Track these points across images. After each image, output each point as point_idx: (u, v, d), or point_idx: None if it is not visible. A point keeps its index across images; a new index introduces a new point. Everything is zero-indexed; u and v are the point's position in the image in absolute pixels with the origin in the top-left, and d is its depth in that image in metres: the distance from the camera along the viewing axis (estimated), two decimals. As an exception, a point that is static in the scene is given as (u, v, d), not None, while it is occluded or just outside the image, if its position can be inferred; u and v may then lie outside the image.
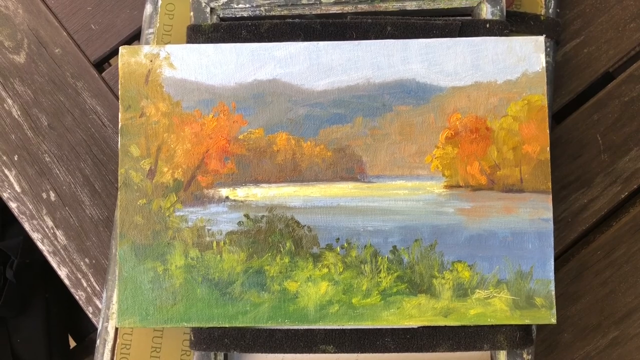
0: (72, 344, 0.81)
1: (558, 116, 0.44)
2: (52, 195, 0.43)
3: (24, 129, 0.43)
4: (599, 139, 0.43)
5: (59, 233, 0.43)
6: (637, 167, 0.43)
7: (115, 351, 0.39)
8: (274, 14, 0.39)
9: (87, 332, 0.82)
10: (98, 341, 0.39)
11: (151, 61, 0.37)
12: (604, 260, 0.43)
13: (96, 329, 0.87)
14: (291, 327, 0.37)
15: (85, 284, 0.42)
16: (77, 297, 0.42)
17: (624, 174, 0.43)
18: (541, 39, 0.37)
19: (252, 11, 0.39)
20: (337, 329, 0.37)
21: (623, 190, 0.43)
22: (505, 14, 0.38)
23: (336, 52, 0.37)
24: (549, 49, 0.41)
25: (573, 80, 0.44)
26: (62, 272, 0.42)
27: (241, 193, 0.37)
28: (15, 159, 0.43)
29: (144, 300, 0.36)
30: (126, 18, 0.44)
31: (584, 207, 0.43)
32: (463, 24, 0.38)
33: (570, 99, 0.44)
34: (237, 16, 0.39)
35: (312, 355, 0.37)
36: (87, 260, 0.43)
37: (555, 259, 0.40)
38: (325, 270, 0.37)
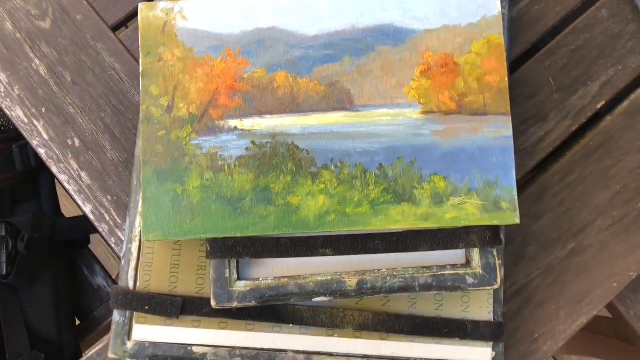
0: (77, 322, 0.84)
1: (515, 64, 0.51)
2: (77, 141, 0.48)
3: (50, 85, 0.49)
4: (551, 81, 0.50)
5: (83, 174, 0.48)
6: (584, 104, 0.50)
7: (139, 268, 0.44)
8: (271, -26, 0.45)
9: (90, 310, 0.87)
10: (123, 261, 0.44)
11: (167, 14, 0.44)
12: (560, 183, 0.49)
13: (99, 306, 0.91)
14: (294, 235, 0.43)
15: (107, 218, 0.48)
16: (100, 229, 0.47)
17: (573, 110, 0.50)
18: (497, -11, 0.44)
19: (252, -28, 0.45)
20: (334, 235, 0.43)
21: (574, 124, 0.50)
22: (466, -29, 0.45)
23: (325, 3, 0.44)
24: (504, 3, 0.48)
25: (526, 33, 0.51)
26: (87, 208, 0.48)
27: (248, 123, 0.43)
28: (43, 111, 0.49)
29: (165, 216, 0.42)
30: (139, -12, 0.51)
31: (541, 139, 0.50)
32: (431, -21, 0.45)
33: (525, 48, 0.51)
34: (240, -23, 0.45)
35: (313, 259, 0.43)
36: (109, 197, 0.48)
37: (518, 184, 0.46)
38: (322, 186, 0.43)
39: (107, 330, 0.83)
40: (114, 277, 0.83)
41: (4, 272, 0.72)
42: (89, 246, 0.83)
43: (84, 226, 0.80)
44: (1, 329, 0.73)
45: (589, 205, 0.49)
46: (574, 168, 0.49)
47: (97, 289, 0.87)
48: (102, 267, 0.85)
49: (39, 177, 0.80)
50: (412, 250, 0.43)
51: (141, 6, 0.43)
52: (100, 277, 0.89)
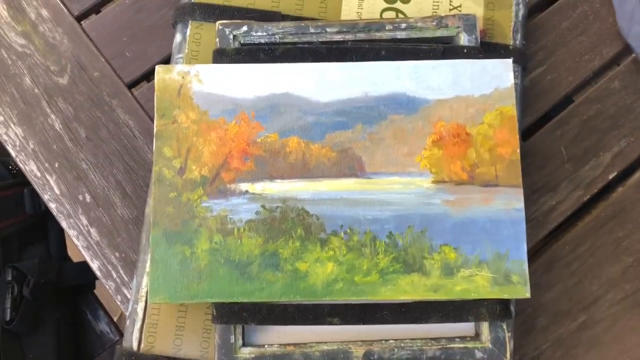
0: (78, 367, 0.83)
1: (527, 132, 0.51)
2: (88, 197, 0.49)
3: (64, 140, 0.50)
4: (563, 151, 0.50)
5: (92, 230, 0.48)
6: (596, 174, 0.50)
7: (144, 329, 0.44)
8: (286, 40, 0.46)
9: (92, 357, 0.86)
10: (128, 322, 0.44)
11: (183, 77, 0.44)
12: (571, 254, 0.49)
13: (101, 352, 0.90)
14: (302, 302, 0.42)
15: (115, 275, 0.48)
16: (107, 287, 0.47)
17: (585, 180, 0.50)
18: (509, 60, 0.44)
19: (268, 38, 0.46)
20: (341, 304, 0.42)
21: (585, 194, 0.50)
22: (479, 42, 0.46)
23: (339, 71, 0.44)
24: (517, 73, 0.48)
25: (539, 102, 0.51)
26: (95, 265, 0.48)
27: (259, 187, 0.43)
28: (56, 165, 0.49)
29: (173, 279, 0.42)
30: (156, 47, 0.52)
31: (552, 209, 0.49)
32: (445, 49, 0.45)
33: (537, 117, 0.51)
34: (256, 42, 0.46)
35: (319, 327, 0.42)
36: (117, 254, 0.48)
37: (528, 253, 0.45)
38: (331, 252, 0.42)
39: (108, 377, 0.82)
40: (115, 319, 0.83)
41: (8, 317, 0.72)
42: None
43: (90, 271, 0.80)
44: (1, 376, 0.72)
45: (601, 277, 0.48)
46: (586, 239, 0.49)
47: (99, 334, 0.86)
48: (106, 312, 0.85)
49: (47, 220, 0.80)
50: (420, 322, 0.42)
51: (158, 68, 0.44)
52: (103, 323, 0.88)
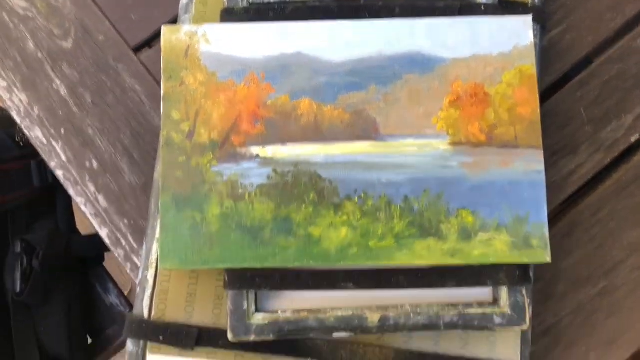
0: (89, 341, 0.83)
1: (546, 94, 0.50)
2: (95, 163, 0.48)
3: (70, 105, 0.48)
4: (583, 112, 0.49)
5: (100, 197, 0.47)
6: (617, 136, 0.48)
7: (155, 297, 0.43)
8: (297, -2, 0.44)
9: (103, 329, 0.86)
10: (138, 289, 0.43)
11: (190, 38, 0.43)
12: (591, 218, 0.47)
13: (112, 324, 0.90)
14: (315, 268, 0.41)
15: (124, 243, 0.47)
16: (116, 255, 0.46)
17: (606, 142, 0.48)
18: (529, 17, 0.43)
19: (277, -4, 0.44)
20: (356, 269, 0.41)
21: (606, 157, 0.48)
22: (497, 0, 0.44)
23: (351, 30, 0.43)
24: (536, 32, 0.46)
25: (558, 62, 0.49)
26: (103, 232, 0.47)
27: (270, 151, 0.42)
28: (62, 132, 0.48)
29: (183, 244, 0.41)
30: (163, 9, 0.50)
31: (572, 172, 0.48)
32: (462, 6, 0.44)
33: (556, 78, 0.49)
34: (265, 1, 0.44)
35: (333, 293, 0.41)
36: (125, 221, 0.47)
37: (548, 218, 0.44)
38: (345, 217, 0.41)
39: (119, 348, 0.82)
40: (126, 293, 0.82)
41: (18, 289, 0.72)
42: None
43: (99, 244, 0.80)
44: (13, 347, 0.72)
45: (622, 242, 0.47)
46: (606, 203, 0.47)
47: (109, 307, 0.86)
48: (116, 285, 0.84)
49: (55, 193, 0.80)
50: (437, 287, 0.41)
51: (164, 29, 0.43)
52: (113, 295, 0.88)
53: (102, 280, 0.87)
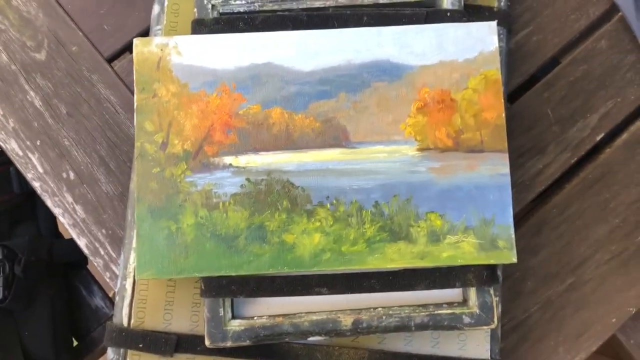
0: (74, 343, 0.84)
1: (513, 95, 0.51)
2: (72, 174, 0.48)
3: (45, 117, 0.49)
4: (550, 113, 0.50)
5: (78, 208, 0.48)
6: (583, 136, 0.50)
7: (133, 305, 0.44)
8: (266, 8, 0.45)
9: (88, 331, 0.86)
10: (117, 298, 0.44)
11: (161, 50, 0.43)
12: (559, 217, 0.49)
13: (97, 327, 0.91)
14: (289, 274, 0.42)
15: (102, 252, 0.47)
16: (95, 264, 0.47)
17: (572, 142, 0.49)
18: (494, 23, 0.43)
19: (247, 7, 0.45)
20: (329, 274, 0.42)
21: (573, 156, 0.49)
22: (463, 5, 0.45)
23: (321, 39, 0.44)
24: (502, 36, 0.47)
25: (525, 64, 0.51)
26: (82, 242, 0.47)
27: (243, 160, 0.43)
28: (38, 143, 0.48)
29: (159, 254, 0.42)
30: (135, 19, 0.50)
31: (539, 172, 0.49)
32: (428, 14, 0.44)
33: (523, 79, 0.50)
34: (235, 11, 0.45)
35: (308, 298, 0.43)
36: (103, 231, 0.48)
37: (516, 217, 0.46)
38: (318, 223, 0.42)
39: (105, 351, 0.83)
40: (111, 295, 0.83)
41: (0, 296, 0.72)
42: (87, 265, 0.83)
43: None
44: (-3, 353, 0.72)
45: (588, 239, 0.48)
46: (573, 201, 0.49)
47: (94, 309, 0.87)
48: (100, 287, 0.85)
49: (36, 198, 0.80)
50: (408, 289, 0.42)
51: (136, 41, 0.43)
52: (98, 298, 0.88)
53: (86, 283, 0.87)
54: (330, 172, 0.43)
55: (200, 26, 0.44)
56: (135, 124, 0.42)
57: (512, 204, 0.42)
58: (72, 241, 0.80)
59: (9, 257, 0.73)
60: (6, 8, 0.50)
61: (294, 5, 0.45)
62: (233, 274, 0.42)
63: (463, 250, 0.42)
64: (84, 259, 0.83)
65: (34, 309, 0.77)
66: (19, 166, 0.48)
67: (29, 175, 0.48)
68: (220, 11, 0.45)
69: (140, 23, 0.50)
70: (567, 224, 0.49)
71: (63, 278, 0.84)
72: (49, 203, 0.48)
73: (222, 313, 0.42)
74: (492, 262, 0.42)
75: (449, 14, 0.44)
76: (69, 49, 0.50)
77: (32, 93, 0.49)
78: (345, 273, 0.42)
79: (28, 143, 0.48)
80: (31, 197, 0.77)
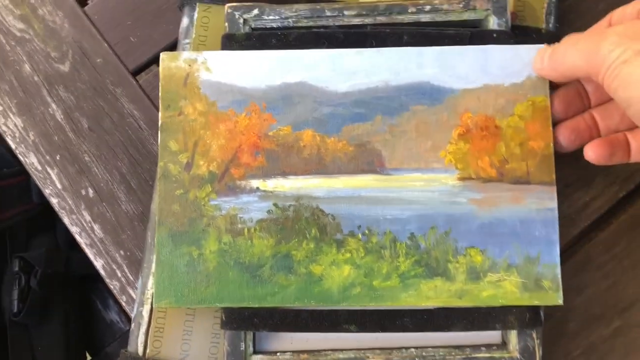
0: (88, 358, 0.82)
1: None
2: (91, 191, 0.46)
3: (66, 131, 0.47)
4: (598, 142, 0.47)
5: (96, 227, 0.46)
6: (633, 169, 0.46)
7: (150, 333, 0.41)
8: (300, 24, 0.42)
9: (102, 346, 0.84)
10: (133, 325, 0.41)
11: (189, 65, 0.41)
12: (605, 254, 0.45)
13: (112, 341, 0.89)
14: (316, 308, 0.39)
15: (119, 274, 0.45)
16: (111, 287, 0.45)
17: (621, 175, 0.46)
18: (543, 46, 0.41)
19: (281, 22, 0.43)
20: (359, 310, 0.39)
21: (621, 190, 0.46)
22: (510, 25, 0.42)
23: (357, 58, 0.41)
24: (549, 59, 0.44)
25: (572, 90, 0.47)
26: (98, 263, 0.45)
27: (270, 184, 0.40)
28: (58, 158, 0.46)
29: (179, 282, 0.39)
30: (162, 31, 0.48)
31: (585, 205, 0.46)
32: (472, 34, 0.42)
33: (570, 106, 0.47)
34: (268, 27, 0.43)
35: (335, 335, 0.40)
36: (122, 252, 0.45)
37: (560, 252, 0.42)
38: (348, 255, 0.39)
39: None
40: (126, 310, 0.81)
41: (15, 309, 0.70)
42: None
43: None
44: (9, 367, 0.71)
45: (637, 279, 0.45)
46: (621, 238, 0.45)
47: (109, 323, 0.85)
48: (116, 301, 0.83)
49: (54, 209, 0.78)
50: (444, 330, 0.39)
51: (163, 56, 0.41)
52: (113, 312, 0.86)
53: (102, 297, 0.85)
54: (362, 199, 0.40)
55: (231, 41, 0.42)
56: (159, 142, 0.40)
57: (559, 241, 0.39)
58: (89, 254, 0.78)
59: (25, 270, 0.72)
60: (32, 17, 0.48)
61: (330, 22, 0.42)
62: (256, 305, 0.39)
63: (505, 289, 0.39)
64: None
65: (49, 323, 0.75)
66: (37, 181, 0.46)
67: (47, 191, 0.46)
68: (253, 26, 0.43)
69: (168, 35, 0.48)
70: (613, 262, 0.45)
71: (78, 291, 0.82)
72: (66, 221, 0.46)
73: (243, 347, 0.39)
74: (535, 303, 0.39)
75: (495, 35, 0.41)
76: (94, 60, 0.48)
77: (53, 105, 0.47)
78: (376, 310, 0.39)
79: (47, 157, 0.46)
80: (50, 207, 0.76)
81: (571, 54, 0.36)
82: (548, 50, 0.39)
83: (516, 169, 0.40)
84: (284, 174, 0.40)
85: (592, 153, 0.39)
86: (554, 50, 0.38)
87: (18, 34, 0.48)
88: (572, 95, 0.41)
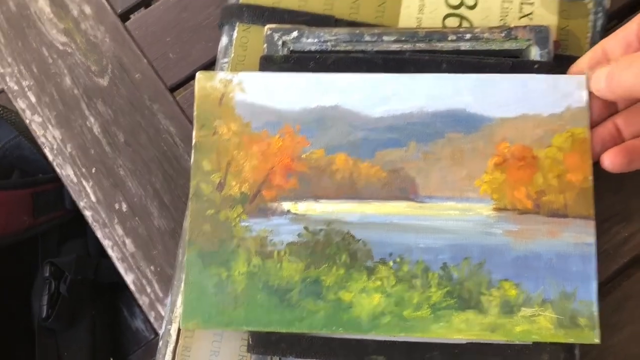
0: (113, 364, 0.83)
1: (599, 153, 0.46)
2: (124, 206, 0.46)
3: (102, 144, 0.47)
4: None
5: (127, 241, 0.46)
6: (676, 204, 0.45)
7: (177, 352, 0.41)
8: (339, 48, 0.42)
9: (127, 354, 0.85)
10: (160, 343, 0.41)
11: (225, 86, 0.41)
12: (644, 292, 0.44)
13: (137, 349, 0.89)
14: (344, 336, 0.39)
15: (149, 290, 0.45)
16: (140, 302, 0.45)
17: (663, 210, 0.45)
18: (583, 77, 0.40)
19: (319, 46, 0.42)
20: (388, 341, 0.39)
21: (663, 226, 0.45)
22: (552, 56, 0.41)
23: (393, 83, 0.41)
24: (591, 89, 0.43)
25: (614, 120, 0.46)
26: (129, 278, 0.45)
27: (302, 207, 0.40)
28: (93, 171, 0.47)
29: (207, 303, 0.39)
30: (201, 49, 0.49)
31: (625, 240, 0.45)
32: (513, 64, 0.41)
33: (611, 137, 0.46)
34: (306, 50, 0.43)
35: (362, 364, 0.39)
36: (152, 267, 0.46)
37: (597, 289, 0.41)
38: (379, 282, 0.39)
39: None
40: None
41: (44, 314, 0.71)
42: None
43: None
44: (37, 373, 0.72)
45: (677, 319, 0.43)
46: (661, 276, 0.44)
47: (135, 331, 0.85)
48: (142, 310, 0.83)
49: (87, 216, 0.79)
50: (474, 365, 0.38)
51: (199, 75, 0.41)
52: (139, 320, 0.87)
53: (129, 304, 0.86)
54: (394, 226, 0.40)
55: (269, 63, 0.42)
56: (192, 162, 0.40)
57: (596, 277, 0.38)
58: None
59: (55, 275, 0.73)
60: (75, 32, 0.49)
61: (369, 47, 0.42)
62: (284, 330, 0.39)
63: (539, 325, 0.38)
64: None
65: (76, 329, 0.76)
66: (72, 193, 0.47)
67: (81, 204, 0.46)
68: (291, 48, 0.43)
69: (207, 53, 0.49)
70: (653, 300, 0.44)
71: (106, 298, 0.83)
72: (99, 234, 0.46)
73: (268, 371, 0.39)
74: (571, 341, 0.38)
75: (536, 66, 0.41)
76: (132, 75, 0.48)
77: (91, 119, 0.48)
78: (405, 342, 0.39)
79: (83, 170, 0.47)
80: (81, 214, 0.77)
81: (627, 77, 0.36)
82: (605, 72, 0.38)
83: (553, 202, 0.39)
84: (316, 197, 0.40)
85: (609, 162, 0.38)
86: (609, 73, 0.37)
87: (61, 47, 0.49)
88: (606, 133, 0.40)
